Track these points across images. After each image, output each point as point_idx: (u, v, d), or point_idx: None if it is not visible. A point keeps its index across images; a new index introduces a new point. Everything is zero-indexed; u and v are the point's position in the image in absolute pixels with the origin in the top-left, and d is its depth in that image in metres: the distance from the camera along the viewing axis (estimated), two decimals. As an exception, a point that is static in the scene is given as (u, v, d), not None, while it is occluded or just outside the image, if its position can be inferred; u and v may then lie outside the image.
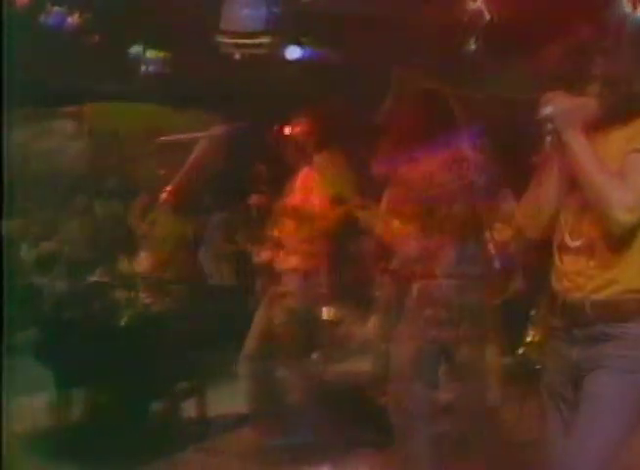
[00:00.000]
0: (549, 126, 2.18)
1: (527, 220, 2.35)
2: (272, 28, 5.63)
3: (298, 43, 6.14)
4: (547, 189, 2.29)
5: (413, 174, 3.49)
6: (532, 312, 5.25)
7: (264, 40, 5.67)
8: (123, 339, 4.53)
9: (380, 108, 7.15)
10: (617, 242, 2.14)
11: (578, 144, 2.16)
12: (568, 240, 2.21)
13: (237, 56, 5.79)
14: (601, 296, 2.17)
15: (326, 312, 5.93)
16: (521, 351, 5.30)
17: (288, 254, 4.70)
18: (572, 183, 2.23)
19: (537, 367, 4.05)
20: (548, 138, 2.19)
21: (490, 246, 3.70)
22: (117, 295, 4.86)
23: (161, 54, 6.48)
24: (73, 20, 5.50)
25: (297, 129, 4.73)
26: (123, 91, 6.94)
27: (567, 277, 2.24)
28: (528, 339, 5.20)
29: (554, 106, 2.19)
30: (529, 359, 5.06)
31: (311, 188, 4.65)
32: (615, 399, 2.16)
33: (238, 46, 5.72)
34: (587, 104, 2.21)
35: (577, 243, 2.19)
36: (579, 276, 2.21)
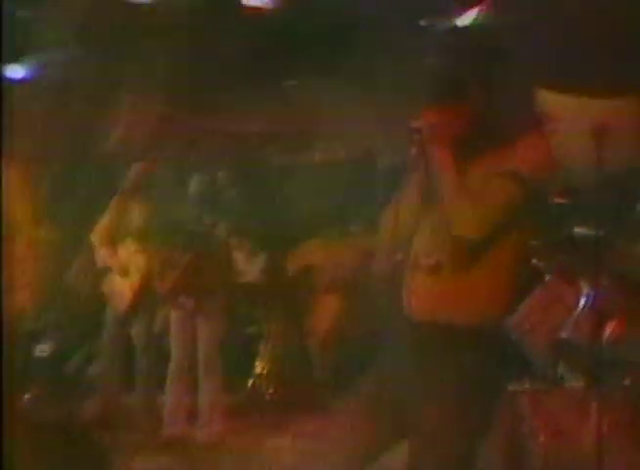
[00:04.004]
0: (416, 137, 2.17)
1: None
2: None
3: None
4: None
5: None
6: (261, 345, 5.61)
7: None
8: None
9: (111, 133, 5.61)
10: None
11: (442, 158, 2.17)
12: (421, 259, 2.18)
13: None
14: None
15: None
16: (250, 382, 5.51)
17: None
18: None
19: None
20: (413, 149, 2.18)
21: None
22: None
23: None
24: None
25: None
26: None
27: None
28: (257, 371, 5.50)
29: (424, 119, 2.18)
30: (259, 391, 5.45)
31: None
32: None
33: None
34: (456, 121, 2.20)
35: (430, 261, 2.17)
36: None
